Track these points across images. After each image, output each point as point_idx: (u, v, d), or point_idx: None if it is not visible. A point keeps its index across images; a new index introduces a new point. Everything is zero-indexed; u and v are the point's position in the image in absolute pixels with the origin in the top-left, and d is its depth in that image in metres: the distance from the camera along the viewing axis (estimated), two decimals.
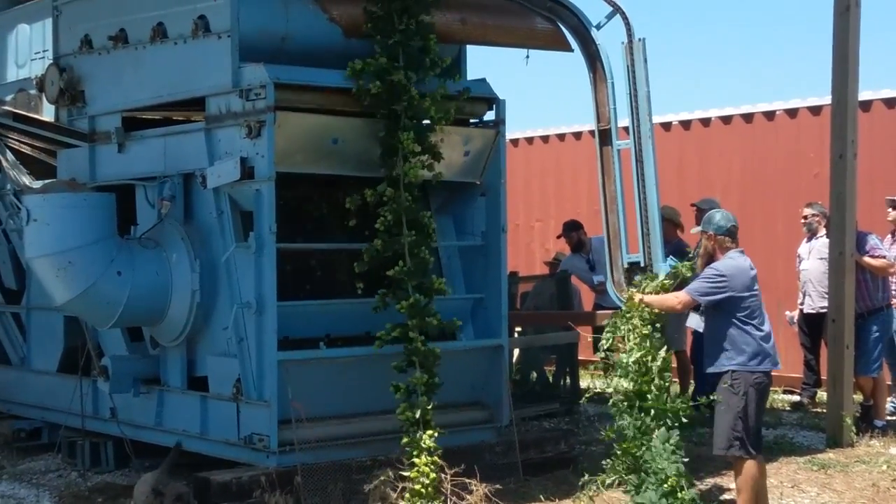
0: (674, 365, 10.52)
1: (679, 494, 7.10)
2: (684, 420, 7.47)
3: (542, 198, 15.94)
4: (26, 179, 10.00)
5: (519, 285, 12.66)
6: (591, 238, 12.36)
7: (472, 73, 9.08)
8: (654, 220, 8.33)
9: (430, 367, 7.69)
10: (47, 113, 9.71)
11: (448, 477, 7.42)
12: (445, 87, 8.16)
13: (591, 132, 9.80)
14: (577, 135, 15.50)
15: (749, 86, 34.96)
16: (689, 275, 7.88)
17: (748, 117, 13.79)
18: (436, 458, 7.44)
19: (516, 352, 11.97)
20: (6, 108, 9.87)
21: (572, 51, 8.92)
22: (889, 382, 11.15)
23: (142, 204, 8.79)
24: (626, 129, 8.56)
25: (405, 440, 7.53)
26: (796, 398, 11.92)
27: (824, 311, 10.48)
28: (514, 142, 15.97)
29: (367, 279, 8.10)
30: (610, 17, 8.67)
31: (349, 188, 8.31)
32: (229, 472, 7.65)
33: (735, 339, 7.31)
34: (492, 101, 8.81)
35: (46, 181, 9.53)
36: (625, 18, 8.56)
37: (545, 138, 16.09)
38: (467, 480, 7.48)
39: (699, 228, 7.80)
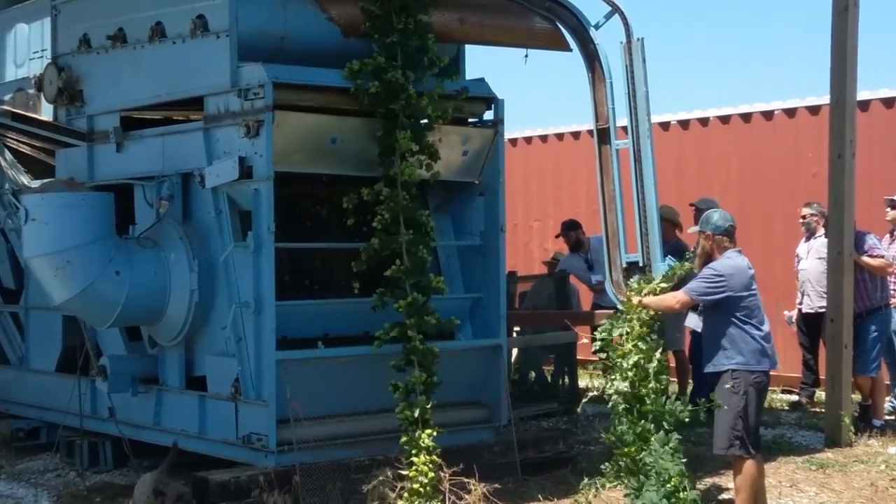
0: (672, 364, 10.57)
1: (681, 495, 7.11)
2: (684, 420, 7.48)
3: (540, 197, 15.94)
4: (25, 179, 10.01)
5: (517, 285, 12.66)
6: (590, 238, 12.37)
7: (471, 72, 9.10)
8: (653, 220, 8.33)
9: (428, 365, 7.69)
10: (46, 112, 9.70)
11: (447, 476, 7.41)
12: (443, 87, 8.17)
13: (590, 132, 9.81)
14: (576, 134, 15.50)
15: (748, 86, 35.02)
16: (684, 275, 7.90)
17: (746, 117, 13.79)
18: (434, 457, 7.43)
19: (515, 351, 11.97)
20: (5, 107, 9.85)
21: (571, 50, 8.92)
22: (887, 382, 11.16)
23: (140, 203, 8.79)
24: (624, 128, 8.55)
25: (404, 439, 7.53)
26: (795, 398, 11.92)
27: (823, 310, 10.49)
28: (513, 141, 15.97)
29: (367, 279, 8.10)
30: (608, 16, 8.67)
31: (348, 187, 8.32)
32: (228, 472, 7.65)
33: (734, 338, 7.31)
34: (490, 100, 8.82)
35: (45, 180, 9.55)
36: (623, 18, 8.55)
37: (544, 138, 16.09)
38: (466, 480, 7.48)
39: (697, 228, 7.81)
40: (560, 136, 15.86)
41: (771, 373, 7.48)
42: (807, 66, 35.46)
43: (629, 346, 7.61)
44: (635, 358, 7.53)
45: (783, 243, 12.62)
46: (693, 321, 9.97)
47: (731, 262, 7.43)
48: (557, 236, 13.14)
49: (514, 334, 11.72)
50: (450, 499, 7.38)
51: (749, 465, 7.31)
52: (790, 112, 13.37)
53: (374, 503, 7.45)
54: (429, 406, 7.58)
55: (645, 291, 7.83)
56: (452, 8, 8.59)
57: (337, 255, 8.67)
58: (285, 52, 8.13)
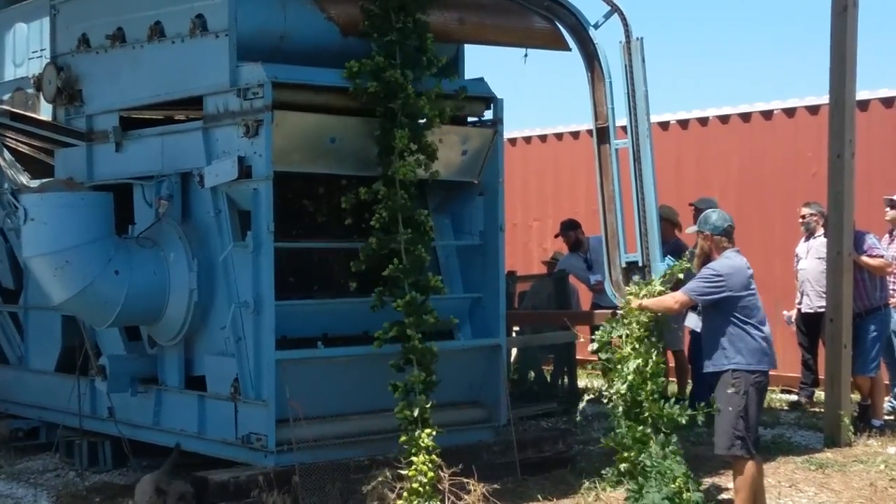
0: (672, 364, 10.57)
1: (685, 496, 7.11)
2: (683, 422, 7.48)
3: (539, 197, 15.94)
4: (24, 178, 10.00)
5: (517, 285, 12.67)
6: (589, 237, 12.37)
7: (470, 72, 9.09)
8: (652, 220, 8.33)
9: (427, 365, 7.69)
10: (45, 112, 9.70)
11: (446, 476, 7.41)
12: (441, 86, 8.16)
13: (589, 131, 9.80)
14: (575, 134, 15.50)
15: (747, 85, 35.03)
16: (683, 275, 7.90)
17: (746, 117, 13.79)
18: (434, 457, 7.43)
19: (514, 351, 11.97)
20: (4, 107, 9.85)
21: (570, 50, 8.92)
22: (887, 382, 11.16)
23: (139, 203, 8.79)
24: (623, 128, 8.55)
25: (403, 439, 7.52)
26: (794, 398, 11.92)
27: (822, 310, 10.49)
28: (512, 141, 15.98)
29: (366, 279, 8.09)
30: (608, 16, 8.67)
31: (347, 187, 8.31)
32: (227, 472, 7.64)
33: (734, 338, 7.31)
34: (490, 100, 8.81)
35: (44, 180, 9.54)
36: (623, 18, 8.55)
37: (543, 137, 16.09)
38: (465, 480, 7.48)
39: (695, 228, 7.81)
40: (559, 136, 15.86)
41: (770, 373, 7.49)
42: (806, 66, 35.51)
43: (628, 349, 7.62)
44: (634, 362, 7.53)
45: (782, 243, 12.62)
46: (692, 321, 9.96)
47: (729, 262, 7.43)
48: (557, 236, 13.14)
49: (514, 334, 11.72)
50: (449, 499, 7.38)
51: (749, 466, 7.30)
52: (789, 112, 13.37)
53: (373, 503, 7.45)
54: (428, 406, 7.58)
55: (642, 294, 7.84)
56: (452, 7, 8.59)
57: (336, 254, 8.67)
58: (284, 52, 8.13)
